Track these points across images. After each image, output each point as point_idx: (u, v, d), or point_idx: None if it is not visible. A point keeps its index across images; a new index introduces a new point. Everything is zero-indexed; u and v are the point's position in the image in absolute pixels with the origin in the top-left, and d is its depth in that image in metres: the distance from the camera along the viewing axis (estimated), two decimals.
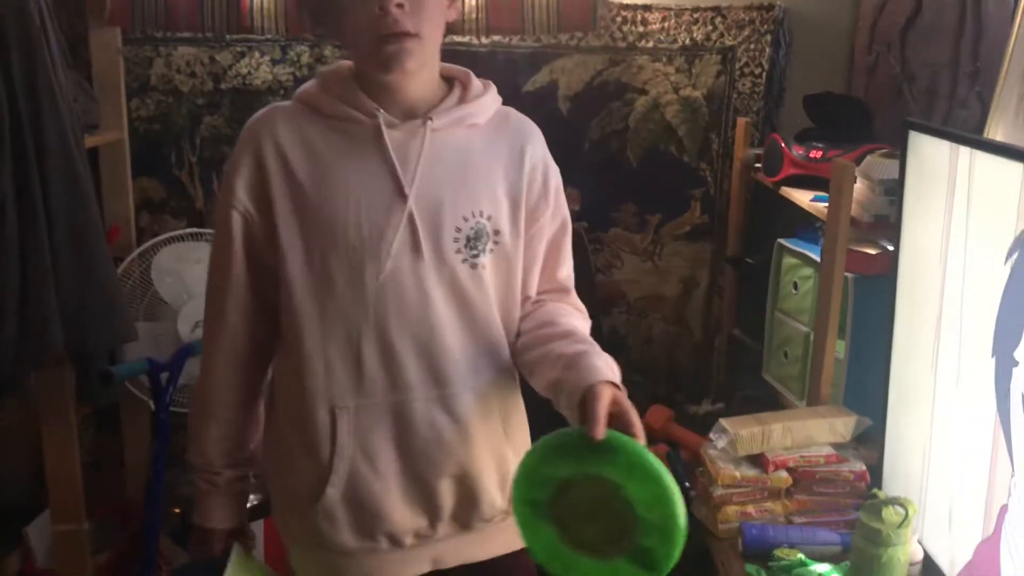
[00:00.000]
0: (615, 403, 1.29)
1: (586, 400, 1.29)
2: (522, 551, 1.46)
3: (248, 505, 1.62)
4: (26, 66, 2.04)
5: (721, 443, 1.90)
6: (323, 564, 1.56)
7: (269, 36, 2.63)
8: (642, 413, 2.02)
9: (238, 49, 2.69)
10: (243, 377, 1.52)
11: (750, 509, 1.87)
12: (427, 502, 1.50)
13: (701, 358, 2.88)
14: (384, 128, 1.39)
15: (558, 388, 1.39)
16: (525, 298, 1.55)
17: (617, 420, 1.28)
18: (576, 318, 1.56)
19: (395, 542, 1.51)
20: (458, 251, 1.42)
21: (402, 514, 1.49)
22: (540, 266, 1.56)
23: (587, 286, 2.82)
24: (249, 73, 2.70)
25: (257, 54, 2.69)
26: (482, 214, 1.44)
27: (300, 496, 1.49)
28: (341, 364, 1.42)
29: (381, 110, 1.39)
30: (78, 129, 2.19)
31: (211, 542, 1.55)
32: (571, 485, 1.28)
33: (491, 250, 1.45)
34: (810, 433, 1.92)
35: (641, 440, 1.26)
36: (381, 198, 1.40)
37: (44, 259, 2.09)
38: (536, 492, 1.31)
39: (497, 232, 1.45)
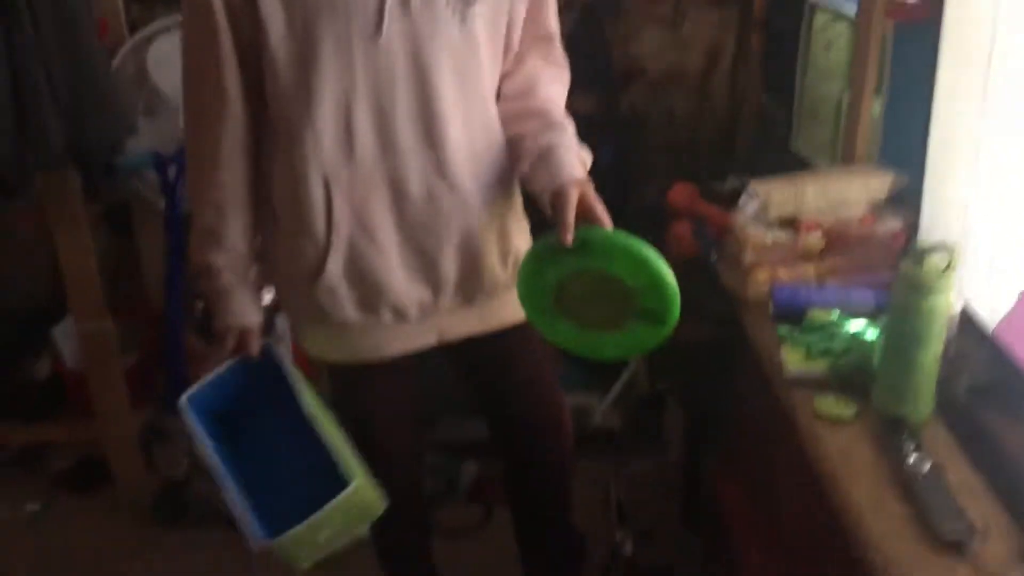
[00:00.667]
0: (581, 200, 1.35)
1: (554, 206, 1.37)
2: (527, 323, 1.52)
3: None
4: None
5: (751, 207, 1.82)
6: (330, 338, 1.56)
7: None
8: (665, 191, 1.98)
9: None
10: (251, 162, 1.45)
11: (781, 273, 1.82)
12: (429, 273, 1.48)
13: (726, 133, 2.77)
14: None
15: (529, 181, 1.47)
16: (507, 48, 1.49)
17: (586, 215, 1.35)
18: (554, 84, 1.55)
19: (399, 315, 1.50)
20: (447, 3, 1.35)
21: (404, 285, 1.47)
22: (524, 16, 1.49)
23: (603, 61, 2.69)
24: None
25: None
26: None
27: (300, 274, 1.47)
28: (332, 133, 1.37)
29: None
30: None
31: (249, 342, 1.52)
32: (566, 284, 1.40)
33: (479, 2, 1.38)
34: (844, 193, 1.83)
35: (607, 225, 1.35)
36: None
37: (32, 56, 2.00)
38: (540, 299, 1.43)
39: None
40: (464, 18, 1.37)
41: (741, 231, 1.83)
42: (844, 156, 2.01)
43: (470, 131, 1.44)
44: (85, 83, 2.07)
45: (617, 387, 2.62)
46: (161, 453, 2.49)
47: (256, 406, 1.55)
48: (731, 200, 2.47)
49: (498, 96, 1.52)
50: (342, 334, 1.55)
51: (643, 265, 1.35)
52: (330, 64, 1.33)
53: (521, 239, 1.58)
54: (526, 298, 1.45)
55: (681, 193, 2.45)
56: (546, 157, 1.42)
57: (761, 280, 1.81)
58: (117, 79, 2.20)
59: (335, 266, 1.44)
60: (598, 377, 2.69)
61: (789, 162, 2.40)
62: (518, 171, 1.49)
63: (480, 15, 1.39)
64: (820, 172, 2.02)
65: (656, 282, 1.36)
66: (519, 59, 1.53)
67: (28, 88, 2.00)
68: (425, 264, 1.48)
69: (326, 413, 1.52)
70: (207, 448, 1.46)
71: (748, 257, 1.81)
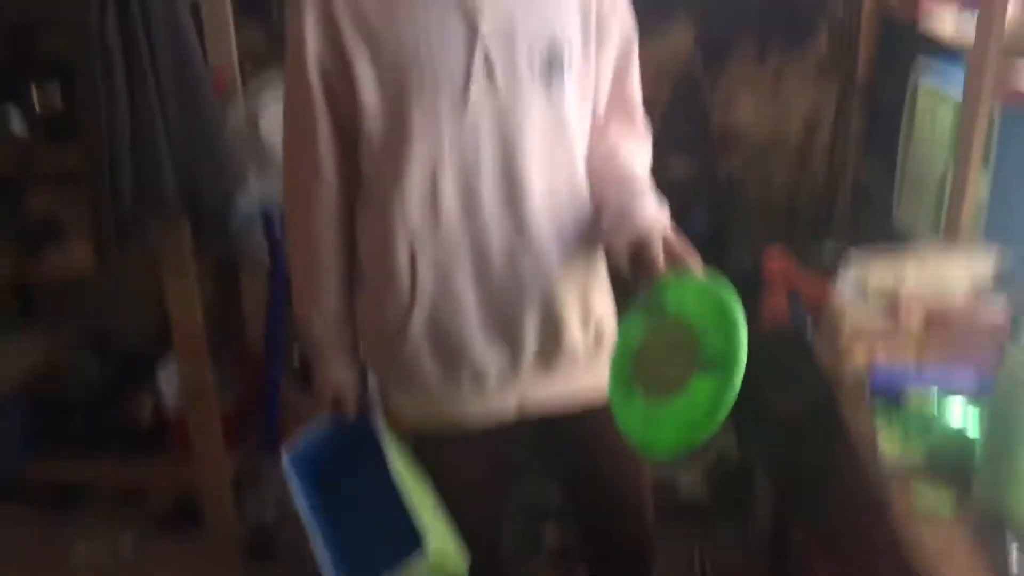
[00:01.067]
0: (666, 246, 1.34)
1: (635, 257, 1.36)
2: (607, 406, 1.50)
3: None
4: None
5: (849, 283, 1.79)
6: (412, 403, 1.59)
7: None
8: (761, 258, 1.97)
9: None
10: (343, 229, 1.51)
11: (879, 352, 1.78)
12: (508, 335, 1.49)
13: (824, 200, 2.73)
14: None
15: (609, 240, 1.46)
16: (594, 111, 1.52)
17: (673, 261, 1.33)
18: (637, 152, 1.56)
19: (478, 379, 1.51)
20: (533, 76, 1.38)
21: (484, 348, 1.49)
22: (610, 82, 1.52)
23: (701, 126, 2.70)
24: None
25: None
26: (555, 32, 1.39)
27: (384, 334, 1.51)
28: (419, 199, 1.40)
29: None
30: None
31: (345, 398, 1.58)
32: (644, 348, 1.35)
33: (566, 71, 1.41)
34: (947, 272, 1.79)
35: (696, 268, 1.32)
36: (453, 30, 1.35)
37: (153, 109, 2.11)
38: (622, 367, 1.37)
39: (571, 50, 1.41)
40: (550, 86, 1.40)
41: (839, 307, 1.80)
42: (948, 233, 1.97)
43: (554, 195, 1.46)
44: (199, 135, 2.17)
45: (707, 457, 2.58)
46: (252, 497, 2.54)
47: (351, 462, 1.60)
48: (829, 268, 2.45)
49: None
50: (424, 399, 1.57)
51: (707, 295, 1.28)
52: (420, 135, 1.38)
53: (603, 306, 1.59)
54: (612, 369, 1.41)
55: (778, 261, 2.44)
56: (625, 212, 1.42)
57: (859, 358, 1.78)
58: (229, 133, 2.30)
59: (418, 327, 1.47)
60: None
61: (889, 232, 2.37)
62: (600, 233, 1.50)
63: (566, 82, 1.42)
64: (922, 248, 1.98)
65: (722, 316, 1.25)
66: (603, 124, 1.55)
67: (147, 139, 2.11)
68: (505, 326, 1.49)
69: (417, 476, 1.54)
70: (301, 504, 1.50)
71: (846, 334, 1.78)
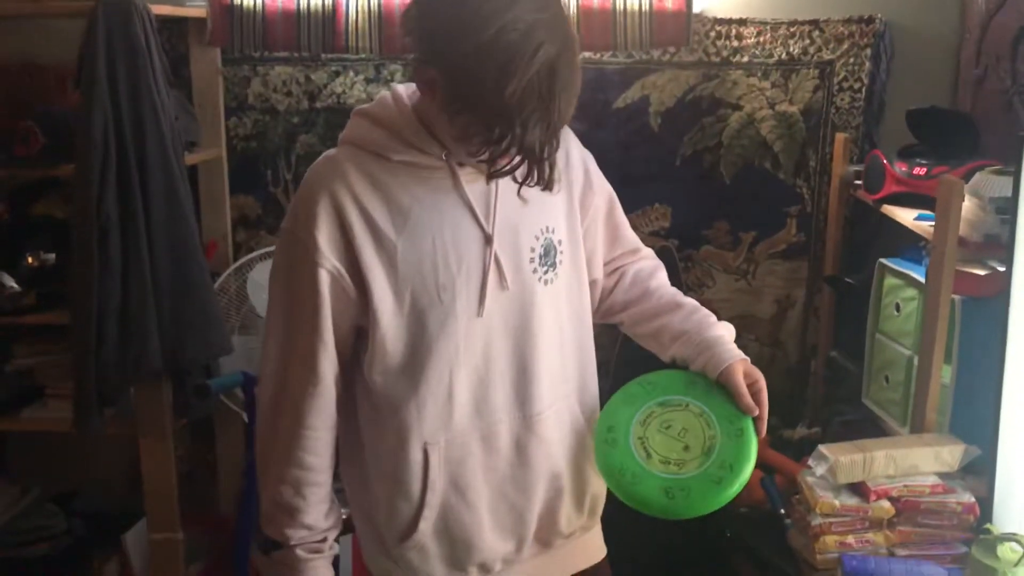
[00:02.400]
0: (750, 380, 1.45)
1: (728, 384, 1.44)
2: (599, 564, 1.57)
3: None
4: (131, 83, 2.11)
5: (820, 470, 1.83)
6: None
7: (363, 56, 2.66)
8: None
9: (333, 68, 2.72)
10: (334, 436, 1.46)
11: (850, 540, 1.80)
12: (515, 526, 1.49)
13: (796, 381, 2.80)
14: (458, 169, 1.37)
15: (689, 362, 1.49)
16: (593, 281, 1.56)
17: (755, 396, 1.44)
18: (661, 275, 1.62)
19: (484, 570, 1.51)
20: (534, 271, 1.43)
21: (492, 541, 1.48)
22: (603, 247, 1.58)
23: None
24: (343, 92, 2.73)
25: (351, 73, 2.72)
26: (548, 228, 1.44)
27: (392, 534, 1.47)
28: (432, 403, 1.40)
29: (448, 151, 1.35)
30: (179, 147, 2.25)
31: None
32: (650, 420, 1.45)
33: (560, 261, 1.46)
34: (914, 461, 1.84)
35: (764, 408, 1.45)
36: (466, 240, 1.37)
37: (145, 276, 2.16)
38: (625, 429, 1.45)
39: (560, 240, 1.46)
40: (549, 278, 1.44)
41: (809, 492, 1.83)
42: (914, 423, 2.02)
43: (562, 381, 1.49)
44: (188, 304, 2.21)
45: None
46: None
47: None
48: (800, 449, 2.48)
49: (616, 310, 1.62)
50: None
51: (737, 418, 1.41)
52: (437, 343, 1.38)
53: (598, 481, 1.60)
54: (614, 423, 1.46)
55: None
56: (710, 345, 1.47)
57: (829, 545, 1.80)
58: (218, 301, 2.35)
59: (427, 525, 1.45)
60: None
61: (861, 415, 2.41)
62: (670, 356, 1.53)
63: (561, 273, 1.47)
64: (890, 438, 2.03)
65: (742, 436, 1.39)
66: (619, 273, 1.61)
67: (136, 305, 2.14)
68: (512, 518, 1.49)
69: None
70: None
71: (816, 520, 1.81)
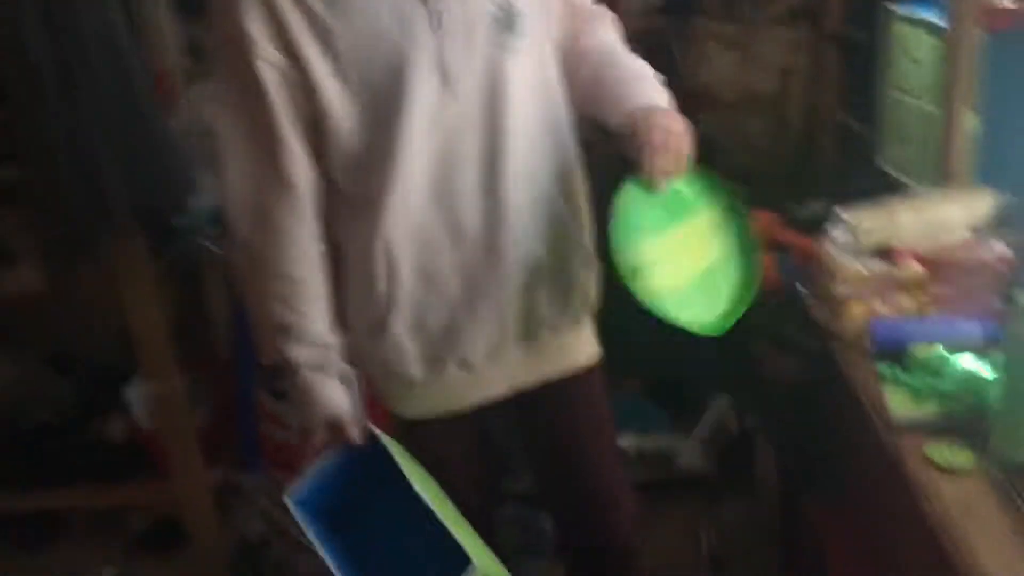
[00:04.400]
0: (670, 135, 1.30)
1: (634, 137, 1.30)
2: (592, 366, 1.54)
3: None
4: None
5: (841, 236, 1.69)
6: (399, 393, 1.51)
7: None
8: None
9: None
10: (318, 240, 1.38)
11: (878, 306, 1.68)
12: (494, 318, 1.42)
13: (805, 155, 2.64)
14: None
15: (605, 110, 1.39)
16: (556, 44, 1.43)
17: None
18: (608, 28, 1.50)
19: (465, 366, 1.45)
20: (495, 39, 1.30)
21: (470, 335, 1.43)
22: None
23: (671, 88, 2.58)
24: None
25: None
26: None
27: (366, 329, 1.43)
28: (394, 195, 1.31)
29: None
30: None
31: (346, 431, 1.41)
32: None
33: (523, 26, 1.32)
34: (943, 217, 1.70)
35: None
36: (409, 10, 1.25)
37: (91, 121, 2.00)
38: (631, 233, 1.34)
39: (522, 5, 1.32)
40: (513, 46, 1.31)
41: (831, 262, 1.71)
42: (940, 177, 1.87)
43: (536, 159, 1.39)
44: (143, 141, 2.05)
45: (703, 426, 2.49)
46: (238, 513, 2.43)
47: (369, 492, 1.45)
48: (813, 227, 2.35)
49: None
50: (410, 390, 1.49)
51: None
52: (393, 127, 1.28)
53: (585, 274, 1.49)
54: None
55: (761, 222, 2.33)
56: (630, 91, 1.38)
57: (856, 314, 1.68)
58: (175, 137, 2.17)
59: (399, 322, 1.39)
60: (682, 417, 2.57)
61: (876, 182, 2.27)
62: (593, 105, 1.43)
63: (526, 31, 1.33)
64: (914, 195, 1.88)
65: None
66: (572, 33, 1.48)
67: (87, 151, 1.99)
68: (489, 309, 1.42)
69: (437, 492, 1.44)
70: (323, 551, 1.35)
71: (841, 289, 1.69)
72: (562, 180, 1.43)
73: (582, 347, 1.56)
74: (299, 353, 1.38)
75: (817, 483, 2.16)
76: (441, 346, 1.43)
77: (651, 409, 2.60)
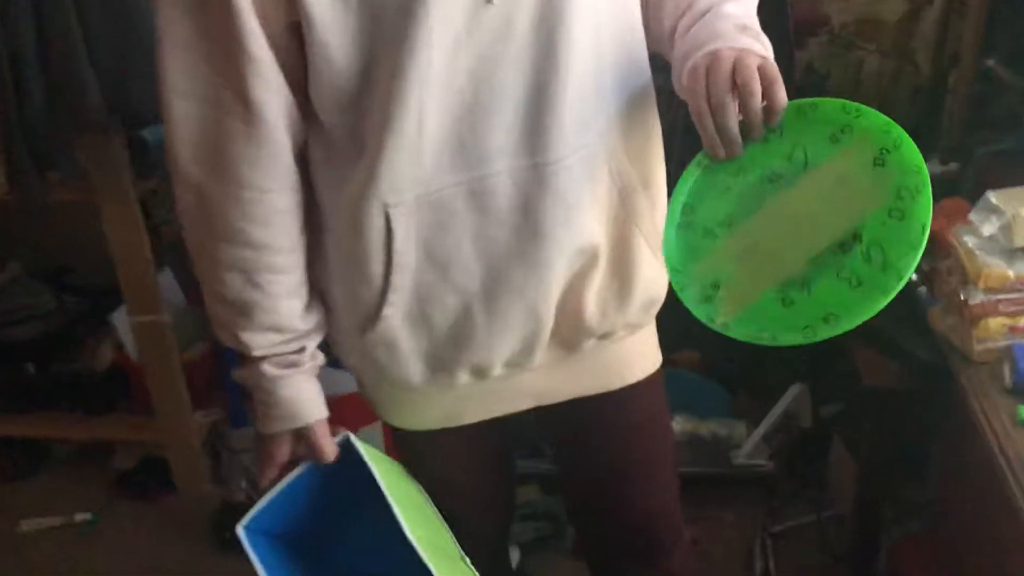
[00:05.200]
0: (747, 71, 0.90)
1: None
2: (649, 379, 1.19)
3: None
4: None
5: (988, 227, 1.28)
6: (392, 400, 1.19)
7: None
8: None
9: None
10: (295, 202, 1.02)
11: None
12: (523, 317, 1.06)
13: (929, 103, 2.19)
14: None
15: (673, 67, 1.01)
16: None
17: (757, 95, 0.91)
18: None
19: (479, 374, 1.11)
20: None
21: (489, 336, 1.07)
22: None
23: (777, 9, 2.16)
24: None
25: None
26: None
27: (354, 322, 1.07)
28: (395, 145, 0.94)
29: None
30: None
31: (319, 443, 1.09)
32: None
33: None
34: None
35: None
36: None
37: (66, 14, 1.67)
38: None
39: None
40: None
41: (969, 259, 1.30)
42: None
43: (597, 106, 1.01)
44: (126, 37, 1.71)
45: (773, 416, 2.11)
46: (227, 465, 2.16)
47: (343, 514, 1.18)
48: (934, 191, 1.93)
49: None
50: (408, 398, 1.16)
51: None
52: (399, 51, 0.91)
53: (655, 268, 1.11)
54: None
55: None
56: (696, 26, 0.99)
57: (995, 331, 1.28)
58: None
59: (394, 313, 1.04)
60: (750, 403, 2.20)
61: (1018, 145, 1.83)
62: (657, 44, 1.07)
63: None
64: None
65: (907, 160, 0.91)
66: None
67: (58, 46, 1.68)
68: (518, 306, 1.05)
69: (432, 518, 1.17)
70: None
71: (977, 297, 1.28)
72: (632, 140, 1.06)
73: (639, 358, 1.20)
74: (260, 341, 1.04)
75: (907, 508, 1.80)
76: (449, 347, 1.08)
77: (709, 389, 2.23)
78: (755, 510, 2.06)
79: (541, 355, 1.11)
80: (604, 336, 1.13)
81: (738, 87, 0.91)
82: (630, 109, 1.05)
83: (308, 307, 1.07)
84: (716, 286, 0.96)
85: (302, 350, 1.07)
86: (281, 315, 1.04)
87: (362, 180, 0.97)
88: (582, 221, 1.03)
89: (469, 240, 1.01)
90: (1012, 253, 1.28)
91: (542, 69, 0.95)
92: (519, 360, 1.11)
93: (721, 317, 0.94)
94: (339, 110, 0.97)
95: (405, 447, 1.23)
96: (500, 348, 1.08)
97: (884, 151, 0.93)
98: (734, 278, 0.95)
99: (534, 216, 1.00)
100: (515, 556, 1.97)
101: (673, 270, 0.97)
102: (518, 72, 0.95)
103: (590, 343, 1.13)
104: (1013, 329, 1.28)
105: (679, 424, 2.14)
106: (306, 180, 1.04)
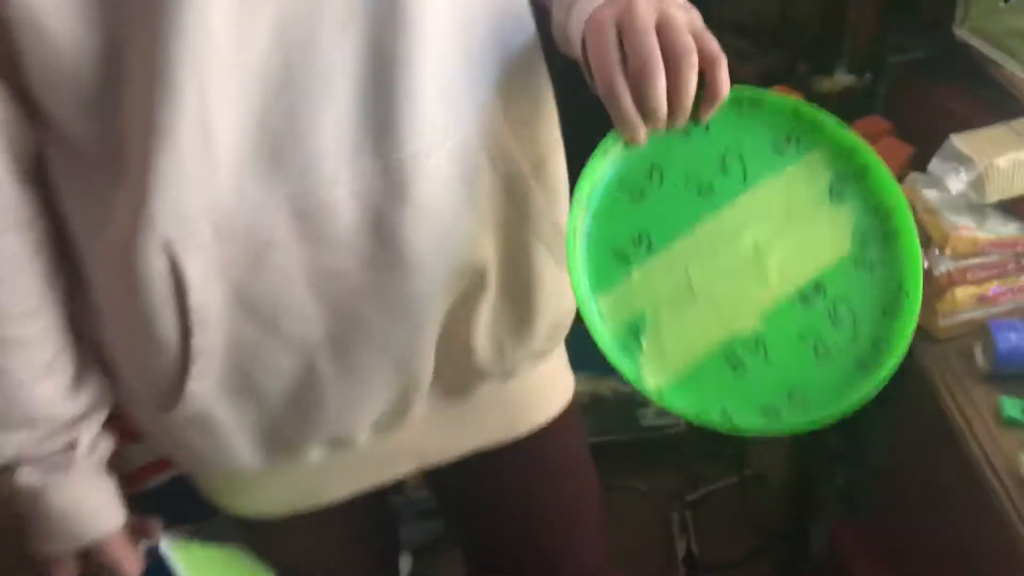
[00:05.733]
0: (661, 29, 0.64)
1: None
2: (563, 413, 0.96)
3: None
4: None
5: (957, 182, 1.05)
6: (220, 484, 0.91)
7: None
8: None
9: None
10: (34, 249, 0.72)
11: (999, 294, 1.07)
12: (387, 367, 0.78)
13: (835, 8, 1.95)
14: None
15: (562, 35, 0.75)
16: None
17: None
18: None
19: (340, 445, 0.84)
20: None
21: (341, 401, 0.79)
22: None
23: None
24: None
25: None
26: None
27: (151, 395, 0.77)
28: (168, 154, 0.63)
29: None
30: None
31: (115, 558, 0.80)
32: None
33: None
34: None
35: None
36: None
37: None
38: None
39: None
40: None
41: (932, 219, 1.07)
42: None
43: (472, 77, 0.73)
44: None
45: None
46: None
47: None
48: (843, 106, 1.71)
49: None
50: (240, 481, 0.88)
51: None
52: (158, 20, 0.60)
53: (558, 281, 0.83)
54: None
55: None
56: None
57: (964, 303, 1.07)
58: None
59: (205, 386, 0.74)
60: None
61: (937, 51, 1.61)
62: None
63: None
64: None
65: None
66: None
67: None
68: (376, 355, 0.77)
69: None
70: None
71: (943, 266, 1.06)
72: (516, 113, 0.77)
73: (549, 389, 0.95)
74: (8, 443, 0.74)
75: (841, 489, 1.63)
76: (291, 420, 0.80)
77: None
78: (670, 477, 1.87)
79: (421, 409, 0.84)
80: (503, 376, 0.86)
81: (665, 50, 0.63)
82: (513, 74, 0.76)
83: (76, 382, 0.76)
84: (635, 332, 0.69)
85: (73, 444, 0.77)
86: (32, 403, 0.73)
87: (128, 209, 0.66)
88: (458, 234, 0.74)
89: (302, 279, 0.71)
90: (983, 210, 1.05)
91: (382, 26, 0.66)
92: (391, 422, 0.83)
93: (652, 378, 0.69)
94: (80, 113, 0.65)
95: (248, 534, 0.95)
96: (361, 414, 0.80)
97: (841, 179, 0.69)
98: (662, 324, 0.69)
99: (390, 237, 0.71)
100: (406, 564, 1.73)
101: (579, 299, 0.70)
102: (347, 33, 0.65)
103: (485, 387, 0.86)
104: (982, 299, 1.07)
105: (576, 385, 1.91)
106: (52, 210, 0.72)
